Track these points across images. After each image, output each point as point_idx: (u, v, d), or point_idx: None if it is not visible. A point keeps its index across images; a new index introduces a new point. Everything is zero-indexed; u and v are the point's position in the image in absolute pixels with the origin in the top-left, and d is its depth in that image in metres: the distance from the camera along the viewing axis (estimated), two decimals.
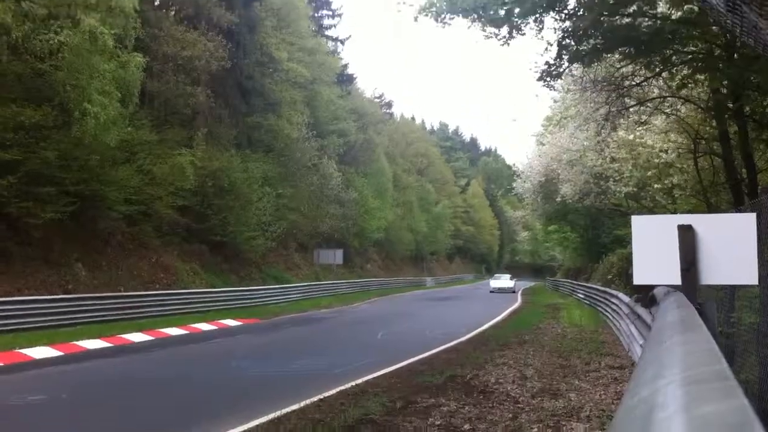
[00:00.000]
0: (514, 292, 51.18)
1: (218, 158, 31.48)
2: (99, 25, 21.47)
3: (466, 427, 8.84)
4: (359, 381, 11.68)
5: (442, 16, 16.12)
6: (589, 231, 45.51)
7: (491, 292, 52.44)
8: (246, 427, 8.33)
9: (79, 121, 21.52)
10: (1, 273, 19.71)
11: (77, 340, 17.03)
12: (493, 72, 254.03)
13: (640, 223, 5.74)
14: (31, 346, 15.60)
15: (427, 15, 16.19)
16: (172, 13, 32.11)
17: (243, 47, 34.75)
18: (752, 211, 5.88)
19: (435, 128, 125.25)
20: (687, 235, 5.32)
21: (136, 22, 24.16)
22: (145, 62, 24.97)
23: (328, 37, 57.65)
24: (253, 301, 31.56)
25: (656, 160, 25.18)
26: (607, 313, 24.19)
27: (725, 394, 0.97)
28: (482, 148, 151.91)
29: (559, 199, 39.36)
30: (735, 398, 0.95)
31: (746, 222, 5.35)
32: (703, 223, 5.40)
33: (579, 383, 11.91)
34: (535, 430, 8.69)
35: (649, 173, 26.06)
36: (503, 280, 58.46)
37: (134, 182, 24.94)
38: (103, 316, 21.74)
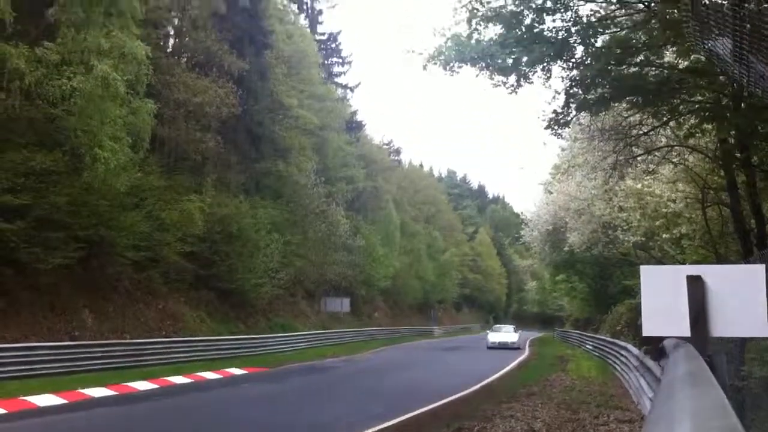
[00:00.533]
0: (518, 348, 41.24)
1: (227, 204, 31.62)
2: (111, 72, 21.70)
3: None
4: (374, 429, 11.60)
5: (451, 64, 16.29)
6: (597, 281, 45.26)
7: (489, 347, 41.70)
8: None
9: (90, 167, 21.62)
10: (9, 319, 19.67)
11: (82, 388, 16.90)
12: (502, 120, 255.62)
13: (648, 274, 5.72)
14: (36, 394, 15.48)
15: (435, 63, 16.37)
16: (184, 60, 32.58)
17: (254, 94, 35.13)
18: (761, 262, 5.85)
19: (443, 175, 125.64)
20: (696, 286, 5.29)
21: (148, 69, 24.42)
22: (156, 108, 25.20)
23: (338, 84, 58.38)
24: (259, 349, 31.40)
25: (664, 210, 25.13)
26: (616, 365, 23.97)
27: None
28: (490, 195, 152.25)
29: (566, 248, 39.30)
30: None
31: (755, 273, 5.32)
32: (712, 273, 5.37)
33: None
34: None
35: (657, 223, 25.99)
36: (504, 333, 44.96)
37: (143, 228, 25.00)
38: (109, 363, 21.58)
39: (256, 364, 26.20)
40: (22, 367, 18.34)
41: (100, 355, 21.53)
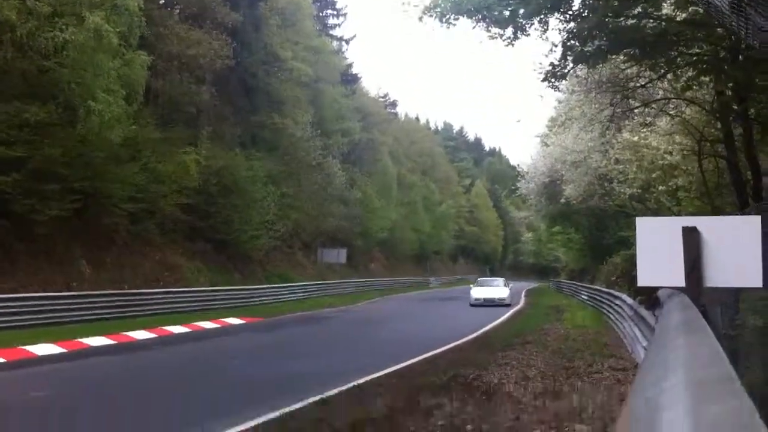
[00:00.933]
0: (508, 305, 34.08)
1: (222, 157, 31.52)
2: (103, 23, 21.48)
3: (469, 427, 8.83)
4: (361, 381, 11.68)
5: (447, 16, 16.13)
6: (593, 232, 45.32)
7: (472, 305, 34.37)
8: (247, 425, 8.31)
9: (84, 119, 21.51)
10: (6, 271, 19.74)
11: (81, 337, 17.00)
12: (498, 72, 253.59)
13: (644, 225, 5.74)
14: (35, 343, 15.56)
15: (431, 15, 16.20)
16: (177, 11, 32.12)
17: (248, 46, 34.79)
18: (757, 214, 5.86)
19: (439, 128, 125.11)
20: (691, 238, 5.31)
21: (141, 20, 24.15)
22: (149, 61, 24.97)
23: (333, 37, 57.71)
24: (256, 299, 31.65)
25: (660, 162, 25.11)
26: (610, 315, 24.14)
27: (730, 396, 0.97)
28: (487, 148, 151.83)
29: (563, 201, 39.29)
30: (740, 399, 0.95)
31: (751, 224, 5.35)
32: (707, 225, 5.38)
33: (582, 384, 11.90)
34: (538, 431, 8.69)
35: (654, 175, 26.00)
36: (492, 287, 37.57)
37: (139, 180, 24.93)
38: (107, 313, 21.79)
39: (253, 314, 26.37)
40: (20, 318, 18.50)
41: (98, 305, 21.70)
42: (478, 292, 35.70)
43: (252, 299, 31.25)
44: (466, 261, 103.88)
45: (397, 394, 10.54)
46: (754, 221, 5.36)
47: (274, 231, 35.87)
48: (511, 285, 40.08)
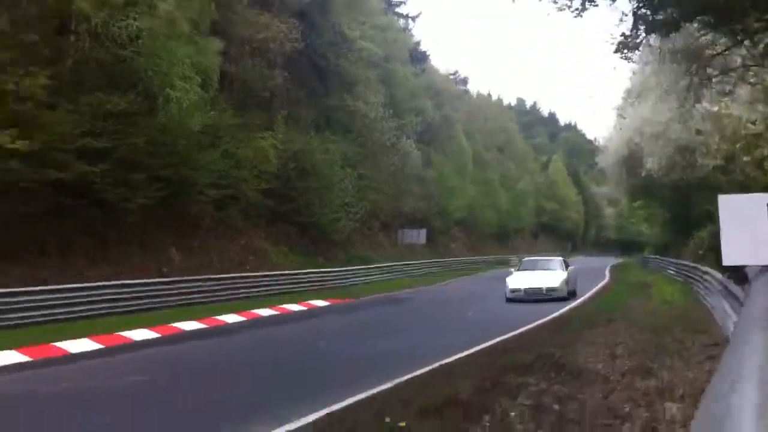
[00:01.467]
0: (565, 297, 22.96)
1: (298, 140, 31.77)
2: (174, 10, 21.75)
3: (556, 406, 8.56)
4: (447, 360, 11.49)
5: None
6: (677, 206, 43.80)
7: (508, 300, 23.48)
8: (338, 406, 8.26)
9: (164, 107, 21.89)
10: (100, 258, 20.24)
11: (174, 322, 17.30)
12: (568, 45, 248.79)
13: (727, 203, 5.38)
14: (131, 329, 15.87)
15: None
16: None
17: (316, 28, 34.87)
18: None
19: (512, 104, 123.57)
20: None
21: (210, 6, 24.38)
22: (221, 46, 25.22)
23: (398, 15, 57.46)
24: (339, 281, 31.70)
25: (744, 132, 24.05)
26: (699, 290, 23.24)
27: None
28: (561, 123, 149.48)
29: (643, 174, 38.07)
30: None
31: None
32: None
33: (672, 361, 11.41)
34: (627, 409, 8.33)
35: (738, 145, 24.90)
36: (541, 274, 24.36)
37: (220, 166, 25.28)
38: (198, 298, 22.18)
39: (338, 295, 26.49)
40: (115, 304, 18.91)
41: (189, 290, 22.11)
42: (517, 281, 23.66)
43: (335, 281, 31.33)
44: (547, 238, 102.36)
45: (484, 373, 10.31)
46: None
47: (353, 213, 35.93)
48: (573, 266, 26.97)
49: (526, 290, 22.73)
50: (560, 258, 27.65)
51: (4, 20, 17.27)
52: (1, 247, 17.00)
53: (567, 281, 23.48)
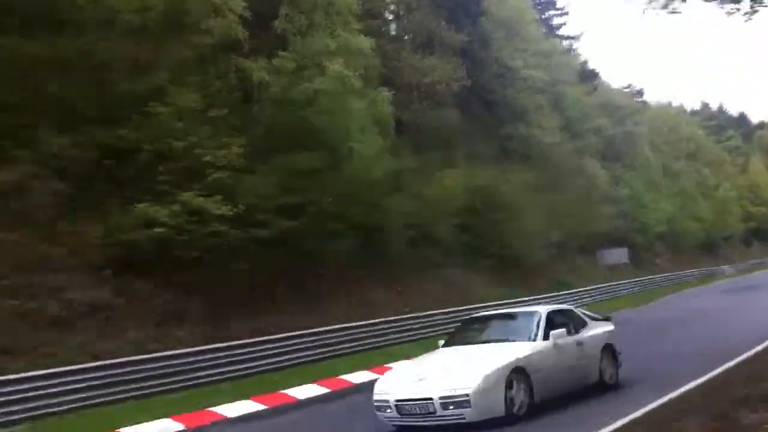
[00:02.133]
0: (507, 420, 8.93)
1: (480, 175, 32.12)
2: (343, 69, 23.03)
3: None
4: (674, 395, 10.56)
5: (673, 5, 14.75)
6: None
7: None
8: None
9: (348, 160, 23.05)
10: (311, 306, 21.28)
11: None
12: (745, 43, 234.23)
13: None
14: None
15: (654, 8, 14.95)
16: (407, 42, 33.48)
17: (479, 63, 35.50)
18: None
19: (695, 109, 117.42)
20: None
21: (375, 60, 25.57)
22: (391, 95, 26.28)
23: (560, 37, 57.05)
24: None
25: None
26: None
27: None
28: (754, 121, 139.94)
29: None
30: None
31: None
32: None
33: None
34: None
35: None
36: (457, 359, 9.87)
37: (408, 207, 26.11)
38: (403, 338, 22.64)
39: None
40: (330, 348, 19.76)
41: (397, 329, 22.77)
42: (394, 380, 9.87)
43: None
44: (760, 243, 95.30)
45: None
46: None
47: (548, 240, 35.61)
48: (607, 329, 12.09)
49: (397, 404, 9.12)
50: (545, 310, 11.08)
51: (197, 98, 19.06)
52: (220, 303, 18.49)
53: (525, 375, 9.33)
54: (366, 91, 25.07)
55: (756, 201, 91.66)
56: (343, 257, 22.85)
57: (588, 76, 55.62)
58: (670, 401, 9.74)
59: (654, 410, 9.25)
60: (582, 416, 9.50)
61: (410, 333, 23.02)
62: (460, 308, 26.20)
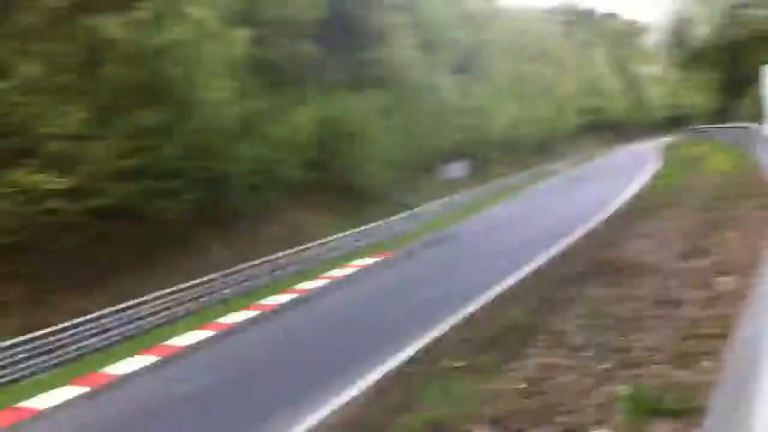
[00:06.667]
0: None
1: (333, 105, 31.76)
2: (204, 12, 21.95)
3: (611, 309, 8.86)
4: (504, 286, 12.50)
5: None
6: (729, 66, 42.31)
7: None
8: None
9: (197, 111, 22.25)
10: (148, 273, 20.89)
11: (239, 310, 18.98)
12: None
13: None
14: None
15: None
16: None
17: None
18: None
19: (549, 7, 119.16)
20: None
21: None
22: (249, 34, 25.22)
23: None
24: (386, 234, 31.63)
25: None
26: (749, 150, 22.63)
27: None
28: (600, 13, 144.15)
29: (693, 43, 37.04)
30: None
31: None
32: None
33: (728, 234, 11.65)
34: (682, 294, 8.67)
35: None
36: None
37: (257, 152, 25.66)
38: (251, 286, 22.86)
39: (387, 248, 27.07)
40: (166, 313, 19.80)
41: (238, 281, 22.78)
42: None
43: (382, 235, 31.28)
44: (595, 135, 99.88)
45: (540, 292, 11.01)
46: None
47: (394, 163, 36.06)
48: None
49: None
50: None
51: (40, 68, 17.65)
52: (50, 280, 17.94)
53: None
54: (223, 34, 23.95)
55: (593, 92, 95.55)
56: (187, 216, 22.33)
57: None
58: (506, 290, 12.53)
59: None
60: None
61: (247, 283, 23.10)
62: (303, 248, 26.35)
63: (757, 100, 29.02)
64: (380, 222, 32.93)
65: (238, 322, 17.89)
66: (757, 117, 25.95)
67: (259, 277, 23.54)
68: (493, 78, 59.05)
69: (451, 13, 51.95)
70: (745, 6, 28.89)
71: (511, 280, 13.03)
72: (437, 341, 10.07)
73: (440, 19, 49.52)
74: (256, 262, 23.79)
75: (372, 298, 17.68)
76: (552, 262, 14.17)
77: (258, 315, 18.62)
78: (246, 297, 21.36)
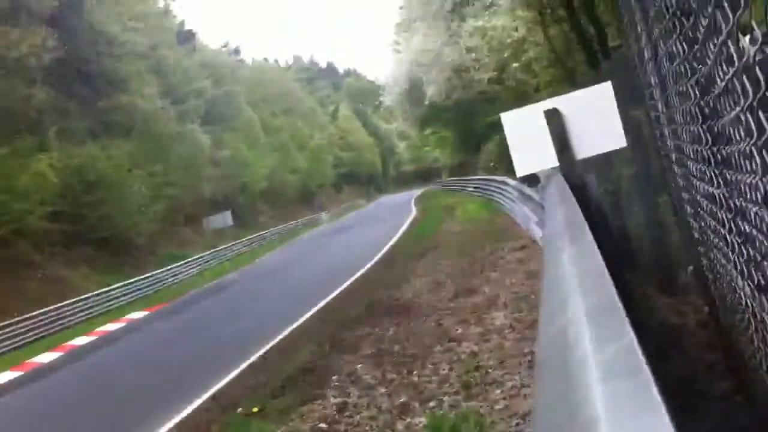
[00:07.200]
0: None
1: (77, 154, 30.17)
2: None
3: (397, 348, 9.14)
4: (287, 333, 11.95)
5: None
6: (463, 125, 45.93)
7: None
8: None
9: None
10: None
11: None
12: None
13: (509, 118, 5.85)
14: None
15: None
16: None
17: (72, 31, 32.75)
18: (608, 73, 6.02)
19: (289, 63, 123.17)
20: (554, 119, 5.45)
21: None
22: None
23: None
24: (154, 287, 30.22)
25: (509, 40, 25.72)
26: (499, 201, 24.73)
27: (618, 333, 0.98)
28: (341, 70, 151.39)
29: (427, 102, 39.75)
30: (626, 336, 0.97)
31: (604, 91, 5.50)
32: (565, 103, 5.53)
33: (490, 275, 12.41)
34: (460, 330, 9.10)
35: (506, 54, 26.64)
36: None
37: None
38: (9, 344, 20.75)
39: (156, 302, 25.61)
40: None
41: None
42: None
43: (150, 288, 29.75)
44: (350, 187, 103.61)
45: (324, 335, 10.85)
46: (606, 88, 5.52)
47: (152, 213, 34.82)
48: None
49: None
50: None
51: None
52: None
53: None
54: None
55: (345, 147, 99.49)
56: None
57: (186, 37, 54.84)
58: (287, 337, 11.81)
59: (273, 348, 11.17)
60: None
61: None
62: (61, 305, 24.44)
63: (491, 153, 31.69)
64: (148, 274, 31.35)
65: None
66: (494, 169, 28.40)
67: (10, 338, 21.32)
68: (246, 128, 59.48)
69: (190, 64, 51.74)
70: (467, 71, 31.50)
71: (299, 321, 12.89)
72: (230, 388, 9.67)
73: (182, 68, 49.16)
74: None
75: (149, 350, 16.17)
76: (335, 304, 14.41)
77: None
78: None
